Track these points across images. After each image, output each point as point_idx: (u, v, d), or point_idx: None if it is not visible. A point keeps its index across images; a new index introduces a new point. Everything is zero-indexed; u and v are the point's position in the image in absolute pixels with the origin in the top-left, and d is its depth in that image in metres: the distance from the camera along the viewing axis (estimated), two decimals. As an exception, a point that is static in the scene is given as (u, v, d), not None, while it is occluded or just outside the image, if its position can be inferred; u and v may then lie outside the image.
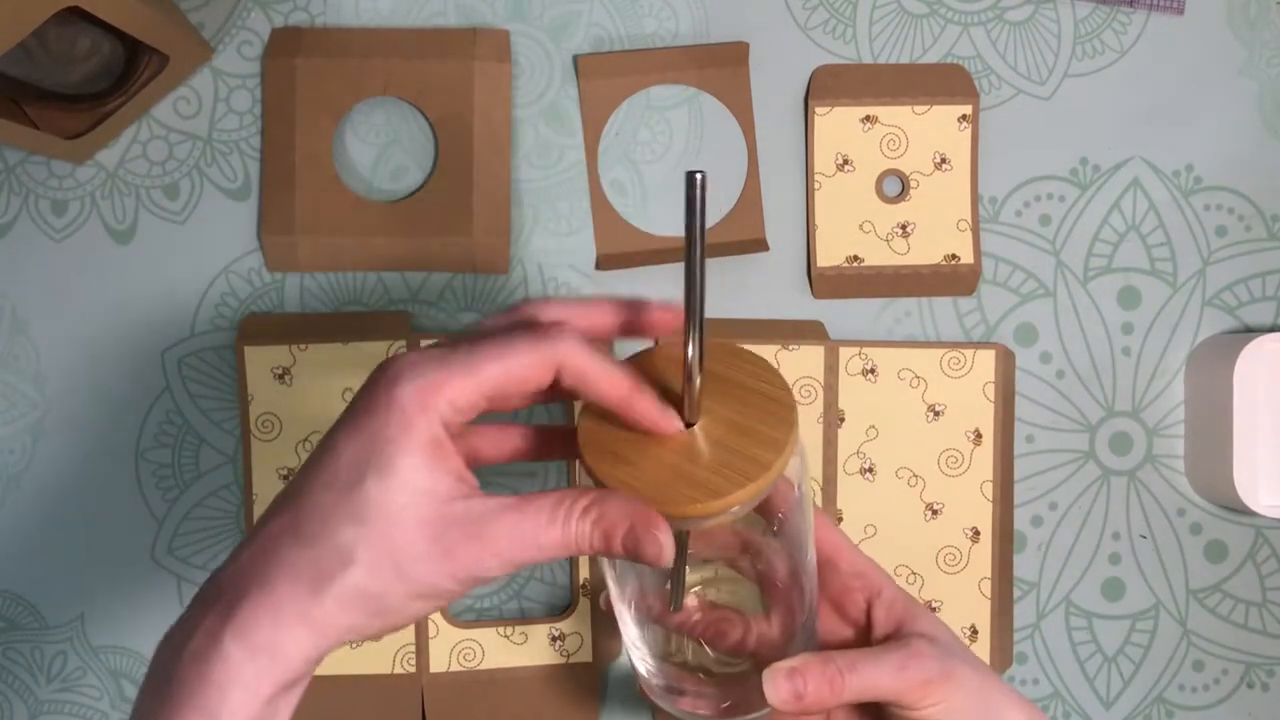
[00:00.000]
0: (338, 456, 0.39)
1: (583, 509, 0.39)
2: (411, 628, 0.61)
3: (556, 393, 0.41)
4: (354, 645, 0.39)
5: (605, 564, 0.47)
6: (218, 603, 0.37)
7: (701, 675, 0.48)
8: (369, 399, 0.39)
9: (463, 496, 0.39)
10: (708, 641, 0.47)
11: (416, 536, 0.38)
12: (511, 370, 0.39)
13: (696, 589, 0.49)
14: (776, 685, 0.44)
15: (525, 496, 0.39)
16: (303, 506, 0.38)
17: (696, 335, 0.39)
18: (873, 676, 0.44)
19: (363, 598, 0.37)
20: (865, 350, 0.62)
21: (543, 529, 0.38)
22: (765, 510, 0.45)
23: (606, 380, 0.40)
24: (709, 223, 0.63)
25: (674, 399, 0.41)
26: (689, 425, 0.41)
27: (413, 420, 0.38)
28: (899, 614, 0.48)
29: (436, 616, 0.61)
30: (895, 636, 0.47)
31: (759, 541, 0.48)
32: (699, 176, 0.36)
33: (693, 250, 0.38)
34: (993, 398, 0.62)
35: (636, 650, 0.48)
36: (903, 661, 0.45)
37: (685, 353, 0.40)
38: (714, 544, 0.48)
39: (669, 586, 0.47)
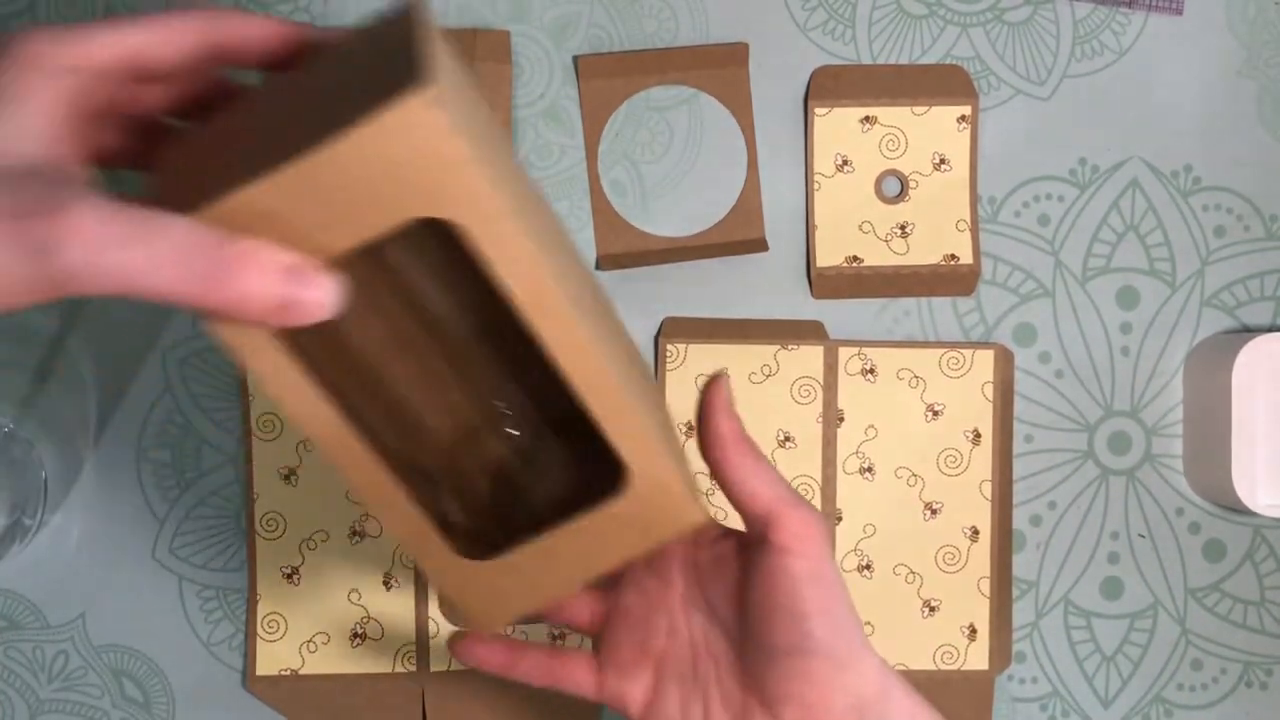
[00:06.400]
0: None
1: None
2: (412, 627, 0.61)
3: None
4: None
5: None
6: None
7: None
8: None
9: (67, 177, 0.33)
10: None
11: None
12: (156, 25, 0.35)
13: None
14: None
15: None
16: None
17: None
18: None
19: None
20: (864, 350, 0.62)
21: (173, 253, 0.32)
22: None
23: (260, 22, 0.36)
24: (708, 223, 0.63)
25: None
26: None
27: (28, 71, 0.33)
28: None
29: (436, 615, 0.61)
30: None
31: None
32: None
33: None
34: (992, 397, 0.63)
35: None
36: None
37: None
38: None
39: None
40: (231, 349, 0.35)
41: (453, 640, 0.48)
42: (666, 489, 0.40)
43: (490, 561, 0.40)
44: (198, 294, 0.32)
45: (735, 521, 0.46)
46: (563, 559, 0.41)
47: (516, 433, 0.47)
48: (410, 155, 0.32)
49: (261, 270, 0.32)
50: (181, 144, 0.38)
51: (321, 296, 0.33)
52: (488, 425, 0.47)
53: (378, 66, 0.34)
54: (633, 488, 0.40)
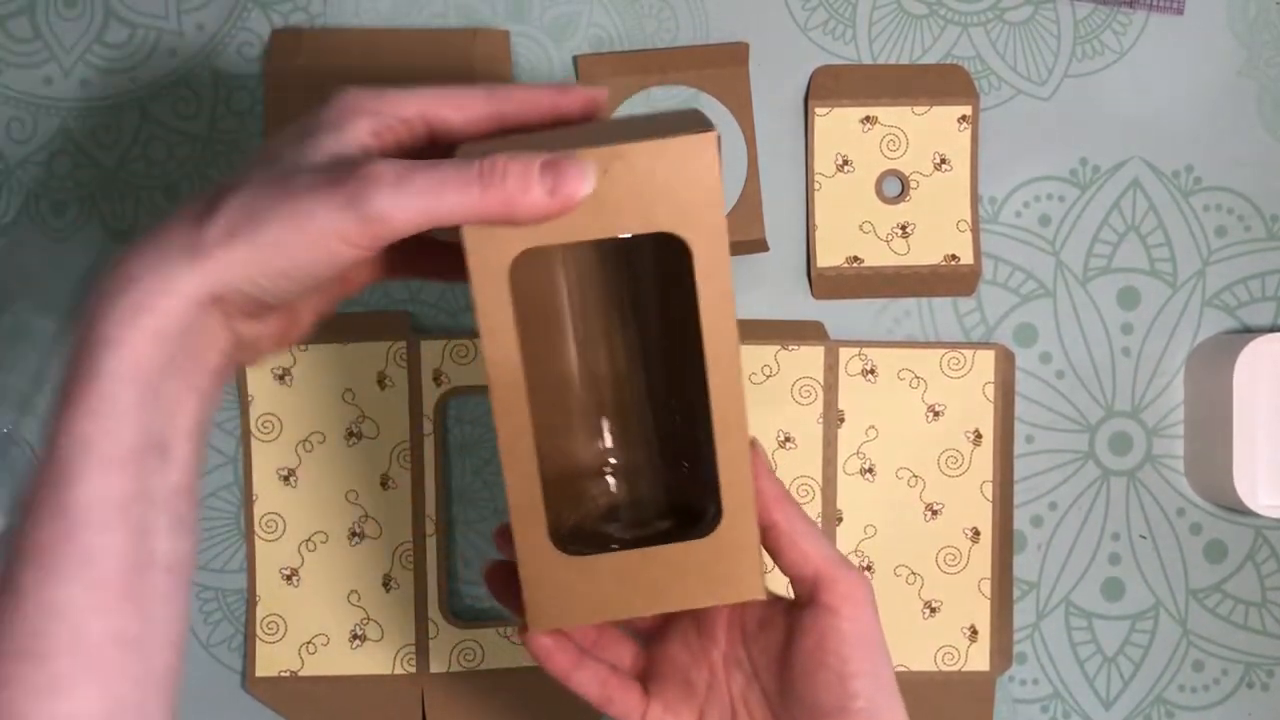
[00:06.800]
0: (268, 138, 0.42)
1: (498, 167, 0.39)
2: (412, 628, 0.61)
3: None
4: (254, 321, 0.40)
5: None
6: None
7: None
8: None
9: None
10: None
11: (311, 171, 0.39)
12: (450, 92, 0.42)
13: None
14: None
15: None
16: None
17: None
18: None
19: (245, 215, 0.38)
20: (865, 350, 0.62)
21: (452, 173, 0.38)
22: None
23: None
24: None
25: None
26: None
27: (346, 113, 0.41)
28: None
29: (437, 616, 0.61)
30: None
31: None
32: None
33: None
34: (992, 398, 0.62)
35: None
36: None
37: None
38: None
39: None
40: (472, 273, 0.40)
41: (526, 628, 0.48)
42: (745, 554, 0.43)
43: (575, 559, 0.43)
44: (478, 198, 0.38)
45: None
46: (633, 584, 0.43)
47: (615, 482, 0.51)
48: (687, 176, 0.39)
49: (525, 167, 0.38)
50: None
51: (577, 184, 0.39)
52: (589, 471, 0.50)
53: (665, 123, 0.42)
54: (717, 538, 0.42)
